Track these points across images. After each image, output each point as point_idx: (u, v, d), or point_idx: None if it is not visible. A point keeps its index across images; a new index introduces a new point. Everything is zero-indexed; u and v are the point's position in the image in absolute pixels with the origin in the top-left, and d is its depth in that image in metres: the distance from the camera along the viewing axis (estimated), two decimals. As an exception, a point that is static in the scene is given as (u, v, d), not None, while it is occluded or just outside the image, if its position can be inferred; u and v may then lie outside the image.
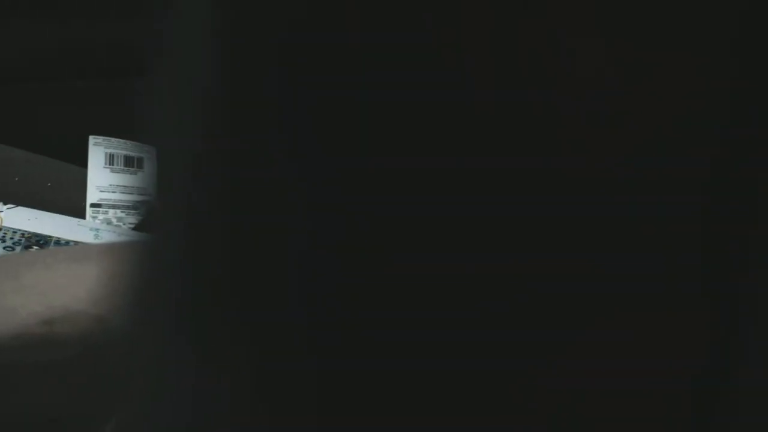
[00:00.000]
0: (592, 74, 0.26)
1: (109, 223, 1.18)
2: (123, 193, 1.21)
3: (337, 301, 0.28)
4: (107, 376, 0.65)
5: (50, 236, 1.11)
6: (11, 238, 1.10)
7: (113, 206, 1.20)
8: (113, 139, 1.25)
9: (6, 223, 1.11)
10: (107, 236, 1.12)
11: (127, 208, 1.20)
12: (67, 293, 0.70)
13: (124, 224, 1.18)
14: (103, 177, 1.22)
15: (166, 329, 0.30)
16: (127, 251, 0.32)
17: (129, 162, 1.24)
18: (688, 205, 0.28)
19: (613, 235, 0.28)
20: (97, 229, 1.14)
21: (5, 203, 1.14)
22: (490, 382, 0.28)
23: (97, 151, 1.24)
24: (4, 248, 1.08)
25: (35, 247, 1.09)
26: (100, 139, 1.25)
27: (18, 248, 1.09)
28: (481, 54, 0.27)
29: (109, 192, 1.21)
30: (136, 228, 1.17)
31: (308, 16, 0.27)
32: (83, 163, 1.23)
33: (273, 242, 0.28)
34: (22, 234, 1.11)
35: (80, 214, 1.18)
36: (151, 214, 0.31)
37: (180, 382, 0.29)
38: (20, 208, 1.14)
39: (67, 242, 1.10)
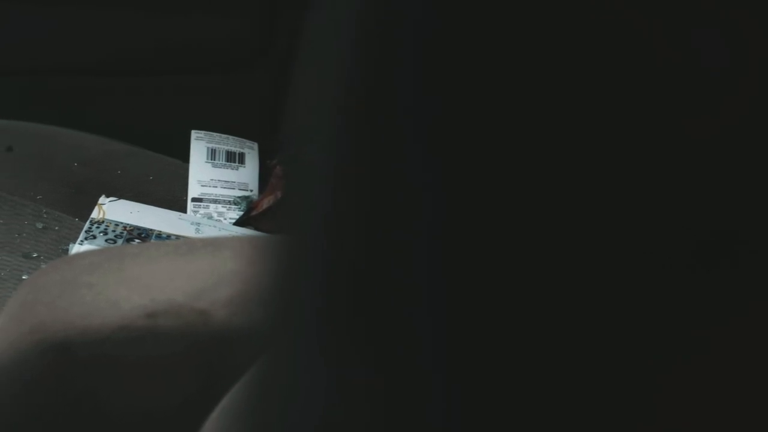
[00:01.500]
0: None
1: (209, 217, 1.18)
2: (224, 188, 1.21)
3: (470, 318, 0.27)
4: (210, 370, 0.65)
5: (151, 229, 1.11)
6: (113, 231, 1.11)
7: (214, 201, 1.20)
8: (215, 134, 1.26)
9: (108, 216, 1.12)
10: (208, 231, 1.13)
11: (228, 203, 1.20)
12: (171, 287, 0.70)
13: (224, 219, 1.18)
14: (205, 172, 1.22)
15: (296, 330, 0.29)
16: (263, 250, 0.31)
17: (230, 157, 1.24)
18: None
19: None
20: (198, 224, 1.14)
21: (107, 196, 1.15)
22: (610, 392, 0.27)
23: (199, 146, 1.24)
24: (106, 240, 1.09)
25: (137, 240, 1.10)
26: (202, 133, 1.25)
27: (120, 241, 1.10)
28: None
29: (210, 187, 1.21)
30: (237, 223, 1.17)
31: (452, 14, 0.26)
32: (185, 158, 1.24)
33: (405, 247, 0.27)
34: (124, 227, 1.11)
35: (181, 208, 1.18)
36: (287, 217, 0.30)
37: (305, 384, 0.29)
38: (122, 201, 1.15)
39: (169, 236, 1.10)
